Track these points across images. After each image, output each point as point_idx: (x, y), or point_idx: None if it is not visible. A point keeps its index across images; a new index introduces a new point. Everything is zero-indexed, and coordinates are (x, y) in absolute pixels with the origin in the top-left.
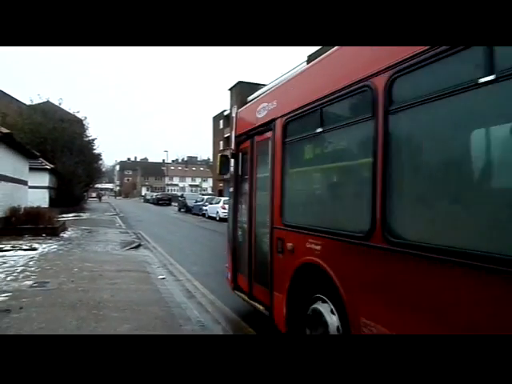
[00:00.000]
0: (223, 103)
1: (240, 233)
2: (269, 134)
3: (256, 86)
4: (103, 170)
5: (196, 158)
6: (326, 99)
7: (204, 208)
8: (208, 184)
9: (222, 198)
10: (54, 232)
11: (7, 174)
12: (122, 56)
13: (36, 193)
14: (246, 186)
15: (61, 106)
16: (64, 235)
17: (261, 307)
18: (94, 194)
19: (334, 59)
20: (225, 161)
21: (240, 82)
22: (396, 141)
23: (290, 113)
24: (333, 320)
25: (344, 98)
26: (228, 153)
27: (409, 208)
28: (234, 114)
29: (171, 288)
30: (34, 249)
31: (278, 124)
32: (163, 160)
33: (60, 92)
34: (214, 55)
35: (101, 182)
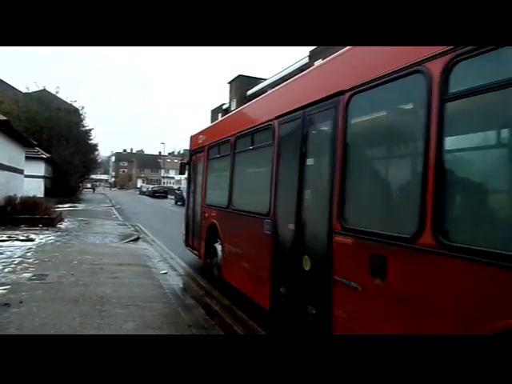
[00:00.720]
0: (222, 96)
1: (189, 211)
2: (202, 154)
3: (256, 80)
4: (99, 160)
5: None
6: (222, 140)
7: None
8: None
9: None
10: (50, 223)
11: (3, 163)
12: (120, 47)
13: (32, 182)
14: (192, 183)
15: (57, 95)
16: (61, 226)
17: (196, 252)
18: (89, 185)
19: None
20: (184, 166)
21: (240, 76)
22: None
23: (211, 143)
24: (219, 249)
25: (224, 142)
26: (186, 161)
27: (239, 191)
28: (232, 108)
29: (174, 283)
30: (31, 239)
31: (206, 149)
32: (159, 152)
33: (57, 81)
34: (214, 48)
35: (96, 173)
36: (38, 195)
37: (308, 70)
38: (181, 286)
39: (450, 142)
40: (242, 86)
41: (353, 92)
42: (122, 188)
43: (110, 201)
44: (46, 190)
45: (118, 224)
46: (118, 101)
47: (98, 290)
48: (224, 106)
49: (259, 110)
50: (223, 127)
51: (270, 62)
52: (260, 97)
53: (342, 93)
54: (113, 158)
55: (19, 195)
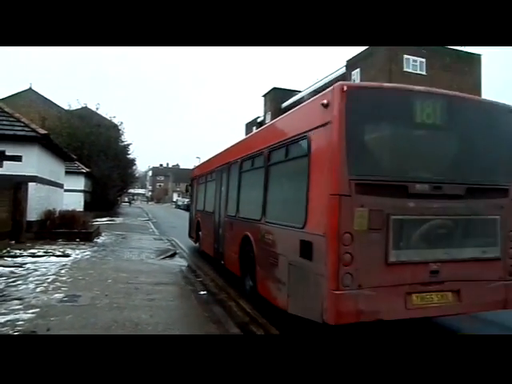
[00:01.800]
0: (256, 110)
1: (190, 214)
2: (194, 180)
3: (290, 92)
4: (136, 175)
5: None
6: (199, 175)
7: None
8: None
9: None
10: (87, 237)
11: (44, 177)
12: (157, 61)
13: (71, 196)
14: (191, 197)
15: (98, 112)
16: (98, 240)
17: (193, 239)
18: (126, 199)
19: (210, 161)
20: (188, 186)
21: (274, 88)
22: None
23: (196, 175)
24: (200, 234)
25: (210, 173)
26: (189, 184)
27: (236, 204)
28: (267, 121)
29: (215, 307)
30: (67, 255)
31: (195, 178)
32: (195, 166)
33: (97, 97)
34: (248, 60)
35: (134, 187)
36: (78, 209)
37: (251, 134)
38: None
39: (219, 187)
40: (276, 99)
41: (269, 149)
42: (158, 202)
43: (147, 214)
44: (86, 203)
45: (155, 238)
46: (155, 116)
47: (132, 315)
48: (259, 119)
49: (221, 158)
50: (201, 167)
51: (305, 73)
52: (221, 151)
53: (264, 149)
54: (150, 173)
55: (58, 209)
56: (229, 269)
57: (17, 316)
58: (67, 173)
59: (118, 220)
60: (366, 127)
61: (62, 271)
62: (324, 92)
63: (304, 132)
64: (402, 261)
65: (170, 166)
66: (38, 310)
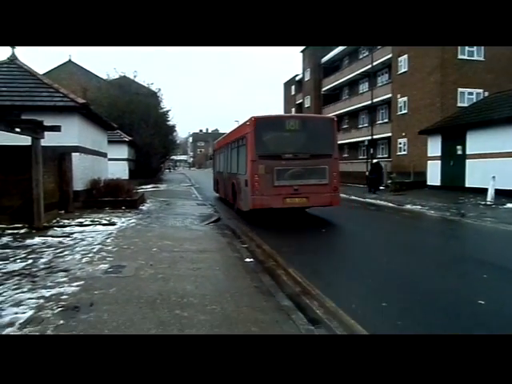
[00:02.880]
0: (295, 68)
1: (214, 176)
2: (214, 152)
3: (329, 47)
4: (177, 141)
5: None
6: (218, 148)
7: None
8: None
9: None
10: (132, 205)
11: (87, 146)
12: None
13: (116, 165)
14: (213, 164)
15: (135, 80)
16: (143, 208)
17: (216, 192)
18: (168, 166)
19: (219, 141)
20: (210, 157)
21: None
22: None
23: (215, 149)
24: (217, 186)
25: (219, 148)
26: (211, 154)
27: (229, 166)
28: (306, 78)
29: (264, 276)
30: (113, 223)
31: (215, 150)
32: (214, 142)
33: (134, 65)
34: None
35: (176, 154)
36: (123, 177)
37: (224, 135)
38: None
39: (224, 157)
40: (315, 54)
41: (235, 139)
42: (200, 167)
43: (190, 180)
44: (130, 172)
45: (198, 204)
46: (193, 81)
47: (177, 287)
48: (297, 78)
49: (223, 140)
50: (217, 144)
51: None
52: (222, 137)
53: (233, 139)
54: (190, 139)
55: (103, 178)
56: (229, 201)
57: (61, 290)
58: (110, 142)
59: (162, 186)
60: (263, 133)
61: (108, 240)
62: (248, 119)
63: (242, 135)
64: (280, 185)
65: (209, 131)
66: (82, 282)
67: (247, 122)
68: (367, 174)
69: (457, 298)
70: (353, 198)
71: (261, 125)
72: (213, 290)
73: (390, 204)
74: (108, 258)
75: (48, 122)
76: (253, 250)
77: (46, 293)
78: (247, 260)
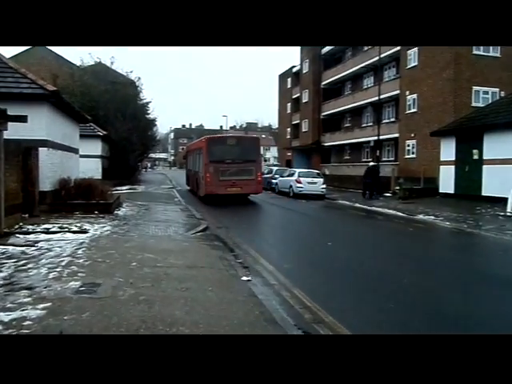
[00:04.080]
0: (291, 59)
1: (186, 173)
2: (187, 154)
3: None
4: (157, 137)
5: (256, 124)
6: (188, 152)
7: (273, 181)
8: (271, 154)
9: (297, 170)
10: (107, 208)
11: (56, 141)
12: None
13: (88, 162)
14: (186, 164)
15: (112, 67)
16: (119, 212)
17: (189, 188)
18: (147, 165)
19: (193, 143)
20: (184, 158)
21: None
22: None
23: (186, 152)
24: (187, 182)
25: (188, 152)
26: (184, 155)
27: (194, 165)
28: (305, 70)
29: (264, 298)
30: (85, 231)
31: (186, 153)
32: (221, 127)
33: (112, 51)
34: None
35: (155, 152)
36: (96, 177)
37: (193, 142)
38: (283, 313)
39: (192, 159)
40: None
41: (195, 148)
42: (182, 167)
43: (171, 181)
44: (104, 170)
45: (182, 210)
46: (176, 72)
47: (164, 312)
48: (294, 69)
49: (191, 146)
50: (188, 147)
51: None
52: (193, 142)
53: (195, 148)
54: (171, 135)
55: (74, 177)
56: (194, 191)
57: (24, 313)
58: (82, 136)
59: (140, 188)
60: (212, 147)
61: (79, 251)
62: (203, 137)
63: (200, 147)
64: (223, 179)
65: (193, 126)
66: (49, 304)
67: (202, 139)
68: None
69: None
70: (357, 205)
71: (211, 141)
72: (206, 317)
73: (400, 213)
74: (79, 274)
75: (12, 111)
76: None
77: (5, 317)
78: (244, 279)
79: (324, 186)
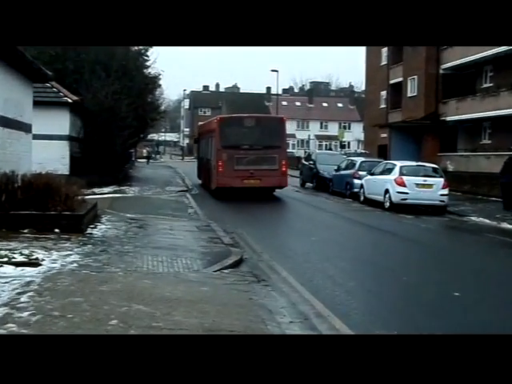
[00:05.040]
0: None
1: (197, 162)
2: (199, 135)
3: None
4: (162, 107)
5: (328, 84)
6: (203, 132)
7: (355, 182)
8: (352, 134)
9: (398, 164)
10: (75, 225)
11: None
12: None
13: (48, 148)
14: (199, 150)
15: None
16: (95, 231)
17: (200, 181)
18: (145, 151)
19: (207, 123)
20: (195, 139)
21: None
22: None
23: (198, 135)
24: (199, 173)
25: (206, 135)
26: (195, 138)
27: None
28: None
29: None
30: (36, 263)
31: (200, 134)
32: (268, 89)
33: None
34: None
35: (158, 130)
36: (60, 171)
37: (206, 121)
38: None
39: (204, 144)
40: None
41: (199, 132)
42: None
43: (183, 181)
44: (74, 161)
45: (199, 228)
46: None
47: None
48: None
49: (203, 127)
50: (201, 126)
51: None
52: (206, 122)
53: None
54: (186, 103)
55: (21, 172)
56: (206, 185)
57: None
58: (39, 105)
59: (132, 191)
60: (226, 129)
61: (23, 299)
62: (214, 118)
63: (212, 129)
64: (239, 169)
65: (222, 88)
66: None
67: (214, 119)
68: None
69: None
70: (506, 226)
71: (225, 122)
72: None
73: None
74: None
75: None
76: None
77: None
78: None
79: (446, 190)
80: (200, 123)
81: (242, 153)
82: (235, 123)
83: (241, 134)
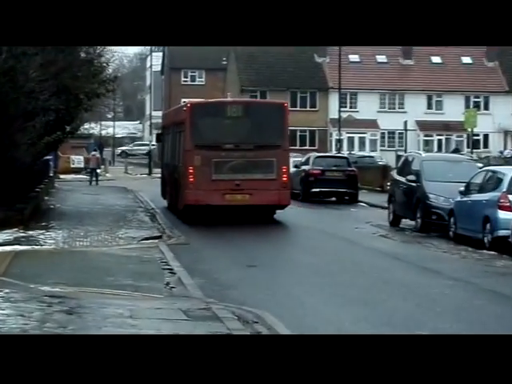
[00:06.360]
0: None
1: (161, 170)
2: (163, 129)
3: None
4: (106, 68)
5: None
6: (169, 125)
7: (503, 217)
8: (493, 119)
9: None
10: None
11: None
12: None
13: None
14: (162, 151)
15: None
16: None
17: (166, 200)
18: (79, 158)
19: (174, 111)
20: (158, 135)
21: None
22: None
23: (162, 130)
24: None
25: (172, 130)
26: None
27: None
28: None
29: None
30: None
31: (165, 127)
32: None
33: None
34: None
35: (101, 119)
36: None
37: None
38: None
39: (171, 146)
40: None
41: (165, 124)
42: None
43: (152, 217)
44: None
45: (188, 313)
46: None
47: None
48: None
49: (168, 118)
50: (165, 119)
51: None
52: (171, 109)
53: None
54: (156, 62)
55: None
56: (173, 206)
57: None
58: None
59: (51, 239)
60: (200, 120)
61: None
62: (183, 104)
63: (180, 120)
64: (219, 179)
65: None
66: None
67: (183, 107)
68: None
69: None
70: None
71: (198, 111)
72: None
73: None
74: None
75: None
76: None
77: None
78: None
79: None
80: (165, 112)
81: (224, 155)
82: (214, 112)
83: (222, 127)
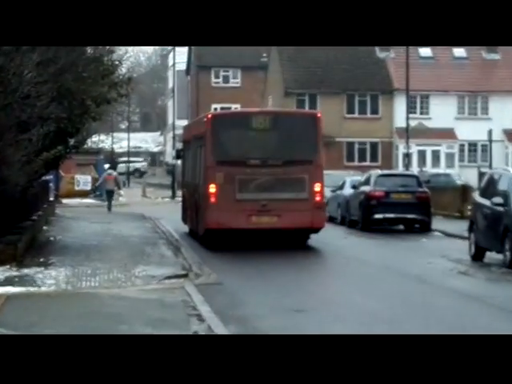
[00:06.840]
0: None
1: (183, 194)
2: (185, 144)
3: None
4: (119, 67)
5: None
6: (190, 138)
7: None
8: None
9: None
10: None
11: None
12: None
13: None
14: (183, 169)
15: None
16: None
17: (187, 225)
18: (85, 178)
19: (194, 124)
20: (179, 151)
21: None
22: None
23: (183, 145)
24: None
25: (193, 145)
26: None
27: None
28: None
29: None
30: None
31: (184, 146)
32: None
33: None
34: None
35: (112, 130)
36: None
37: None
38: None
39: (192, 162)
40: None
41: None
42: None
43: (177, 250)
44: None
45: None
46: None
47: None
48: None
49: (190, 131)
50: (186, 132)
51: None
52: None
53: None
54: (179, 60)
55: None
56: (195, 233)
57: None
58: None
59: (50, 280)
60: (222, 132)
61: None
62: (204, 115)
63: (199, 133)
64: (244, 198)
65: None
66: None
67: (203, 118)
68: None
69: None
70: None
71: (220, 123)
72: None
73: None
74: None
75: None
76: None
77: None
78: None
79: None
80: (186, 124)
81: (249, 172)
82: (237, 123)
83: (247, 140)
